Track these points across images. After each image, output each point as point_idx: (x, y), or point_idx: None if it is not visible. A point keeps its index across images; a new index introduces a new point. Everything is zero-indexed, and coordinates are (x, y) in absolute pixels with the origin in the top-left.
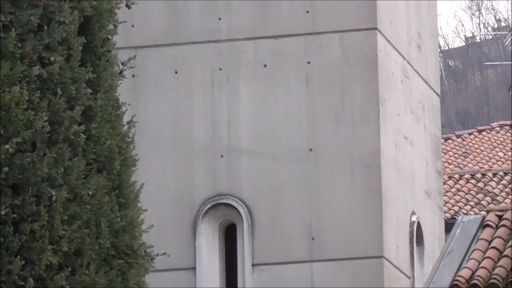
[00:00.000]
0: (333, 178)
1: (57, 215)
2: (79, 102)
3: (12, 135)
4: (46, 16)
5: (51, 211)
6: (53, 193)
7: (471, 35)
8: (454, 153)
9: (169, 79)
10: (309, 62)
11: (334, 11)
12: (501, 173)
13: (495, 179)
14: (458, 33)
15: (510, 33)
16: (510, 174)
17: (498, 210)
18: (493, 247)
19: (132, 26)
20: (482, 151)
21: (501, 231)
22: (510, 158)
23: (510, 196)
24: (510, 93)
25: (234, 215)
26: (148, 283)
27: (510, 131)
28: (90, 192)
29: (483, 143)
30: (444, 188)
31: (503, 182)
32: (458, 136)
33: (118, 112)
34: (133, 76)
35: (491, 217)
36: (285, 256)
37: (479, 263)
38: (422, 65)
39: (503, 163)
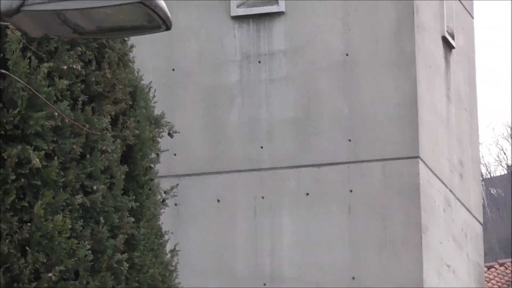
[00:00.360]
0: None
1: None
2: (122, 231)
3: (55, 263)
4: (89, 144)
5: None
6: None
7: None
8: (497, 281)
9: (212, 208)
10: (351, 191)
11: (375, 140)
12: None
13: None
14: (500, 161)
15: None
16: None
17: None
18: None
19: (174, 154)
20: None
21: None
22: None
23: None
24: None
25: None
26: None
27: None
28: None
29: None
30: None
31: None
32: (501, 265)
33: (161, 240)
34: (176, 204)
35: None
36: None
37: None
38: (464, 193)
39: None
